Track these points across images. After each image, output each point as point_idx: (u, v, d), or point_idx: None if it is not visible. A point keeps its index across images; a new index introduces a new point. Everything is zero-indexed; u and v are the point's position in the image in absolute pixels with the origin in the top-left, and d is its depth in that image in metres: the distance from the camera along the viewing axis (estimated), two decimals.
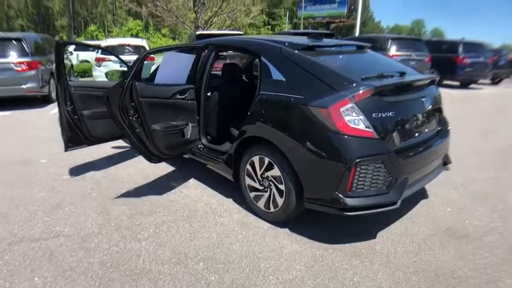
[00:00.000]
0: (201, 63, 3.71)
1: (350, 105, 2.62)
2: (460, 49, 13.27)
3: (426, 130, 3.23)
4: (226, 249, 2.78)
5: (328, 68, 2.91)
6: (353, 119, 2.62)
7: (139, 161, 4.61)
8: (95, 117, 4.03)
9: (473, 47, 13.71)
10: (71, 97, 3.86)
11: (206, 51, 3.72)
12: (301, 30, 16.96)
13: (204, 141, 3.83)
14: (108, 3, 44.62)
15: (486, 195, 3.84)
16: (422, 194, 3.77)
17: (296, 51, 3.08)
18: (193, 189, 3.84)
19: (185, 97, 3.55)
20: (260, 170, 3.13)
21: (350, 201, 2.67)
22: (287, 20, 38.51)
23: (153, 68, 4.17)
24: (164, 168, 4.38)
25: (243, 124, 3.18)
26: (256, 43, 3.40)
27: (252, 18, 23.24)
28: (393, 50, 11.51)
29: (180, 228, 3.06)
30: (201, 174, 4.18)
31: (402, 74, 3.17)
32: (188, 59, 3.66)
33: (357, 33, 21.03)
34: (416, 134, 3.09)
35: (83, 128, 3.96)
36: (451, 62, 13.05)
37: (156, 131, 3.27)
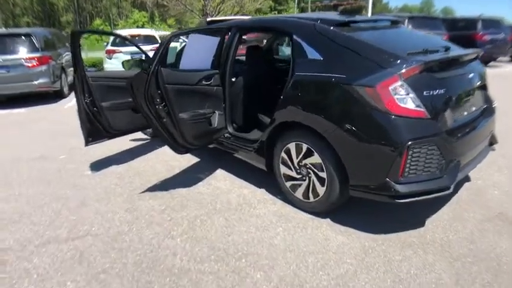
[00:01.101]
0: (225, 46, 3.46)
1: (399, 82, 2.38)
2: (479, 26, 12.74)
3: (474, 108, 2.96)
4: (267, 244, 2.58)
5: (370, 44, 2.64)
6: (403, 98, 2.38)
7: (161, 152, 4.43)
8: (115, 108, 3.84)
9: (492, 24, 13.17)
10: (89, 88, 3.66)
11: (229, 33, 3.47)
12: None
13: (230, 129, 3.61)
14: None
15: None
16: (465, 177, 3.51)
17: (332, 28, 2.82)
18: (222, 181, 3.63)
19: (211, 83, 3.33)
20: (297, 157, 2.90)
21: (401, 188, 2.44)
22: (296, 4, 37.67)
23: (177, 51, 3.97)
24: (188, 159, 4.18)
25: (275, 109, 2.95)
26: (286, 21, 3.14)
27: (260, 4, 22.73)
28: (410, 29, 11.08)
29: (214, 222, 2.87)
30: (228, 164, 3.97)
31: (447, 48, 2.91)
32: (213, 42, 3.42)
33: (369, 15, 20.43)
34: (465, 113, 2.83)
35: (103, 121, 3.77)
36: (470, 40, 12.50)
37: (184, 119, 3.06)
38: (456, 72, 2.79)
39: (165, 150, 4.44)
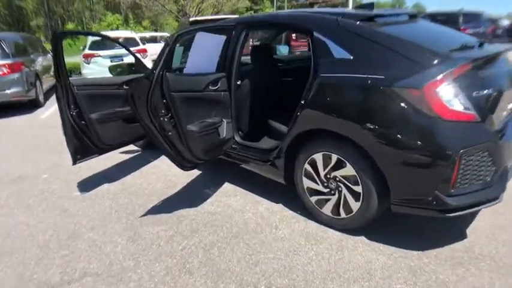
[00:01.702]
0: (229, 46, 3.08)
1: (447, 83, 2.07)
2: (460, 20, 12.80)
3: (510, 107, 2.69)
4: (302, 272, 2.22)
5: (406, 40, 2.33)
6: (451, 100, 2.08)
7: (157, 166, 4.01)
8: (105, 120, 3.39)
9: (473, 18, 13.28)
10: (75, 99, 3.19)
11: (234, 32, 3.08)
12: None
13: (237, 138, 3.23)
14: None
15: None
16: None
17: (358, 23, 2.49)
18: (232, 197, 3.24)
19: (218, 88, 2.93)
20: (325, 169, 2.55)
21: (452, 201, 2.14)
22: (275, 3, 37.28)
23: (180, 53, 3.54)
24: (190, 173, 3.74)
25: (296, 115, 2.59)
26: (304, 16, 2.78)
27: (239, 1, 22.29)
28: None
29: (235, 249, 2.48)
30: (235, 176, 3.58)
31: (480, 44, 2.63)
32: (219, 41, 3.02)
33: None
34: (504, 113, 2.54)
35: (92, 135, 3.31)
36: None
37: (192, 132, 2.66)
38: (494, 69, 2.51)
39: (161, 163, 4.03)
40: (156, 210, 3.07)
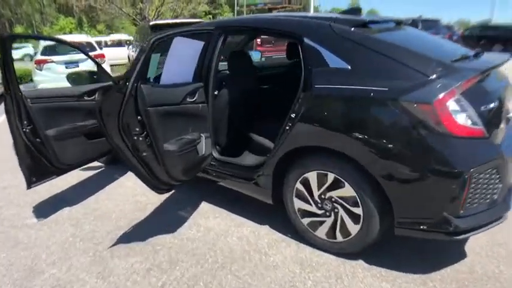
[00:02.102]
0: (207, 53, 2.80)
1: (457, 97, 1.92)
2: (420, 26, 13.25)
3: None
4: None
5: (407, 49, 2.17)
6: (461, 115, 1.93)
7: (123, 185, 3.63)
8: (65, 136, 2.99)
9: (431, 24, 13.83)
10: (29, 113, 2.77)
11: (212, 36, 2.81)
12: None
13: (216, 154, 2.96)
14: (35, 2, 40.30)
15: None
16: None
17: (353, 29, 2.30)
18: (212, 218, 2.95)
19: (195, 100, 2.64)
20: (319, 189, 2.34)
21: (461, 223, 2.00)
22: (235, 7, 37.00)
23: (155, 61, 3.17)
24: None
25: (286, 130, 2.35)
26: (293, 21, 2.55)
27: (199, 4, 21.83)
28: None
29: (223, 283, 2.20)
30: (212, 194, 3.29)
31: (476, 54, 2.52)
32: (197, 47, 2.72)
33: None
34: (503, 126, 2.45)
35: (49, 154, 2.89)
36: None
37: (171, 152, 2.35)
38: (493, 81, 2.41)
39: (127, 181, 3.66)
40: (127, 238, 2.71)
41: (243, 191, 2.86)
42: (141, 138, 2.21)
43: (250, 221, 2.88)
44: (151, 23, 9.57)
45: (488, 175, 1.99)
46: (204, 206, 3.15)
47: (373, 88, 2.01)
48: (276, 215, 2.78)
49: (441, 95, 1.88)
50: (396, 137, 1.98)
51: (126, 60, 14.17)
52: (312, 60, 2.28)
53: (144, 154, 2.28)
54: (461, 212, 1.98)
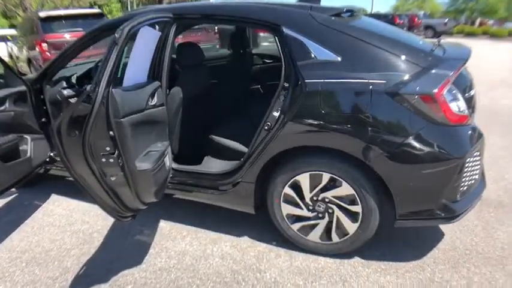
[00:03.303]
0: (159, 47, 2.38)
1: (450, 86, 1.94)
2: None
3: None
4: None
5: (396, 39, 2.12)
6: (454, 104, 1.97)
7: (52, 210, 3.03)
8: None
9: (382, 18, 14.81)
10: None
11: (166, 26, 2.39)
12: None
13: (173, 164, 2.58)
14: None
15: None
16: None
17: (333, 18, 2.17)
18: (180, 239, 2.56)
19: (156, 103, 2.22)
20: (311, 191, 2.18)
21: (458, 206, 2.05)
22: None
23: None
24: (103, 215, 2.77)
25: (271, 130, 2.12)
26: (268, 8, 2.28)
27: None
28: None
29: None
30: (168, 209, 2.88)
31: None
32: (153, 39, 2.25)
33: None
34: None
35: None
36: None
37: (145, 172, 1.91)
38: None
39: (57, 207, 3.03)
40: (83, 282, 2.19)
41: (214, 202, 2.55)
42: (111, 160, 1.74)
43: (225, 234, 2.59)
44: (42, 15, 8.18)
45: (474, 158, 2.06)
46: (165, 226, 2.73)
47: (371, 81, 1.90)
48: (251, 222, 2.56)
49: (440, 85, 1.86)
50: (399, 131, 1.91)
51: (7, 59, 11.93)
52: (295, 53, 2.07)
53: (113, 179, 1.81)
54: (458, 196, 2.02)
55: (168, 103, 2.53)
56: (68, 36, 7.84)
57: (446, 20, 24.95)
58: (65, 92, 2.76)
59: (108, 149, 1.74)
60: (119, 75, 2.08)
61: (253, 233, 2.55)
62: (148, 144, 2.10)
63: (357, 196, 2.07)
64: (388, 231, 2.29)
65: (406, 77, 1.90)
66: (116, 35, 1.72)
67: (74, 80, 2.94)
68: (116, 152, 1.76)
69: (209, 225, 2.68)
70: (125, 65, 2.02)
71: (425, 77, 1.90)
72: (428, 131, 1.91)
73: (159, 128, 2.27)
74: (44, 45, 8.01)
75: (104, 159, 1.74)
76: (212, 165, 2.63)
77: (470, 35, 24.47)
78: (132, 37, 1.83)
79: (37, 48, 8.14)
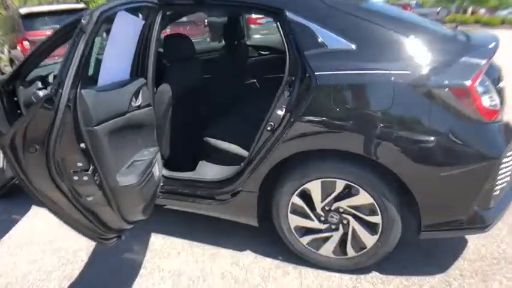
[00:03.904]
0: (143, 37, 2.08)
1: (482, 77, 1.66)
2: None
3: None
4: None
5: (416, 24, 1.86)
6: (486, 97, 1.69)
7: (32, 226, 2.70)
8: None
9: None
10: None
11: (151, 12, 2.09)
12: None
13: (164, 171, 2.29)
14: None
15: None
16: None
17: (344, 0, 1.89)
18: (174, 256, 2.28)
19: (140, 103, 1.92)
20: (323, 200, 1.91)
21: (491, 214, 1.80)
22: None
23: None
24: None
25: (277, 132, 1.84)
26: None
27: None
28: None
29: None
30: (157, 222, 2.57)
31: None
32: (135, 28, 1.94)
33: None
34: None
35: None
36: None
37: (130, 188, 1.62)
38: None
39: (38, 220, 2.75)
40: None
41: (211, 213, 2.27)
42: (86, 178, 1.44)
43: (223, 248, 2.31)
44: (22, 11, 7.77)
45: (508, 158, 1.80)
46: (156, 240, 2.45)
47: (393, 72, 1.62)
48: (252, 232, 2.27)
49: (473, 76, 1.59)
50: (425, 129, 1.64)
51: None
52: (302, 41, 1.78)
53: (89, 199, 1.52)
54: (492, 202, 1.77)
55: (155, 103, 2.24)
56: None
57: (439, 8, 24.77)
58: (41, 93, 2.45)
59: (80, 164, 1.43)
60: (91, 73, 1.76)
61: (255, 246, 2.28)
62: (132, 153, 1.80)
63: (376, 205, 1.80)
64: (404, 238, 2.04)
65: (433, 66, 1.62)
66: (82, 21, 1.41)
67: (50, 79, 2.62)
68: (91, 167, 1.46)
69: (205, 237, 2.40)
70: (100, 60, 1.70)
71: (455, 67, 1.63)
72: (460, 129, 1.64)
73: (145, 133, 1.98)
74: (26, 43, 7.60)
75: (76, 177, 1.44)
76: (207, 171, 2.34)
77: (463, 23, 24.31)
78: (106, 24, 1.52)
79: (18, 47, 7.75)
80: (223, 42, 3.59)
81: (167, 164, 2.39)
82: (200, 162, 2.46)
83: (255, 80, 3.68)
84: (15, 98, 2.56)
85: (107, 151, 1.52)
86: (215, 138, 2.42)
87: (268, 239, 2.26)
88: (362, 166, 1.76)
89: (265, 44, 3.99)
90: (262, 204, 2.08)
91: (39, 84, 2.52)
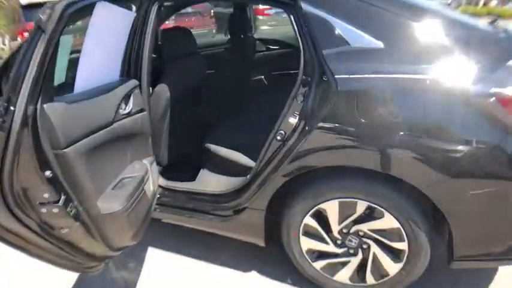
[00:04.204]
0: (137, 32, 1.83)
1: None
2: None
3: None
4: None
5: (453, 19, 1.57)
6: None
7: None
8: None
9: None
10: None
11: (141, 6, 1.83)
12: None
13: (161, 180, 2.06)
14: None
15: None
16: None
17: None
18: (172, 278, 2.05)
19: (131, 110, 1.67)
20: (341, 222, 1.66)
21: None
22: None
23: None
24: None
25: (289, 143, 1.59)
26: None
27: None
28: None
29: None
30: (157, 226, 2.35)
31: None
32: (123, 21, 1.69)
33: None
34: None
35: None
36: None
37: (114, 215, 1.37)
38: None
39: None
40: None
41: (212, 230, 2.03)
42: (56, 210, 1.20)
43: (225, 267, 2.08)
44: (23, 1, 7.59)
45: None
46: (153, 256, 2.22)
47: (428, 77, 1.35)
48: (255, 249, 2.02)
49: None
50: (465, 144, 1.37)
51: None
52: (319, 37, 1.51)
53: (65, 231, 1.28)
54: None
55: (151, 105, 1.99)
56: None
57: (450, 0, 24.10)
58: None
59: (46, 196, 1.18)
60: (62, 80, 1.49)
61: (260, 265, 2.04)
62: (120, 169, 1.55)
63: (403, 230, 1.55)
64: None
65: (476, 72, 1.35)
66: (40, 16, 1.15)
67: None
68: (62, 197, 1.21)
69: (205, 253, 2.16)
70: (74, 63, 1.42)
71: (501, 72, 1.36)
72: (506, 143, 1.37)
73: (137, 143, 1.73)
74: (26, 34, 7.40)
75: (44, 210, 1.20)
76: (209, 182, 2.09)
77: (475, 15, 23.73)
78: (78, 18, 1.26)
79: (19, 39, 7.56)
80: (229, 35, 3.33)
81: (164, 173, 2.16)
82: (201, 171, 2.21)
83: (263, 77, 3.42)
84: None
85: (84, 175, 1.27)
86: (217, 144, 2.17)
87: (273, 255, 2.02)
88: (388, 186, 1.51)
89: (273, 37, 3.71)
90: (269, 223, 1.83)
91: None
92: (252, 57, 3.34)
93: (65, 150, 1.21)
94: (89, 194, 1.30)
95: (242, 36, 3.20)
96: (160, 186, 2.05)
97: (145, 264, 2.15)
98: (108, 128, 1.42)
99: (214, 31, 8.12)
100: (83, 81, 1.37)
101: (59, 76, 1.32)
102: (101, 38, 1.45)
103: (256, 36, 3.69)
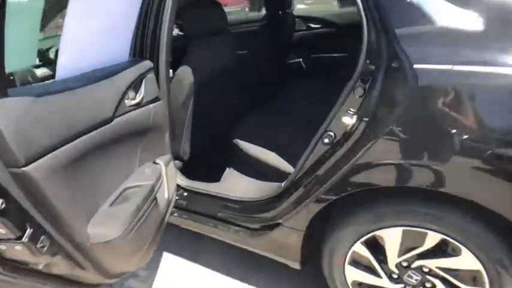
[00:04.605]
0: (152, 3, 1.49)
1: None
2: None
3: None
4: None
5: None
6: None
7: None
8: None
9: None
10: None
11: None
12: None
13: (183, 180, 1.76)
14: None
15: None
16: None
17: None
18: None
19: (142, 99, 1.34)
20: (402, 255, 1.29)
21: None
22: None
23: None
24: None
25: (342, 151, 1.22)
26: None
27: None
28: None
29: None
30: (171, 229, 2.08)
31: None
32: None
33: None
34: None
35: None
36: None
37: (110, 244, 1.07)
38: None
39: None
40: None
41: (239, 244, 1.71)
42: (19, 247, 0.88)
43: (250, 285, 1.77)
44: None
45: None
46: (165, 271, 1.94)
47: None
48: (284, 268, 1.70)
49: None
50: None
51: None
52: (391, 11, 1.11)
53: (41, 266, 0.98)
54: None
55: (172, 92, 1.67)
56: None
57: None
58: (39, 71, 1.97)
59: (2, 232, 0.86)
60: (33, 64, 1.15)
61: (283, 283, 1.72)
62: (123, 178, 1.23)
63: (485, 274, 1.17)
64: None
65: None
66: None
67: (51, 55, 2.12)
68: (28, 230, 0.89)
69: (229, 271, 1.86)
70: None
71: None
72: None
73: (149, 141, 1.41)
74: None
75: (3, 247, 0.89)
76: (236, 185, 1.77)
77: None
78: None
79: None
80: (264, 11, 2.94)
81: (184, 170, 1.86)
82: (226, 170, 1.89)
83: (301, 60, 3.02)
84: (12, 77, 2.08)
85: (60, 197, 0.92)
86: (247, 140, 1.83)
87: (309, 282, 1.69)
88: (472, 217, 1.12)
89: (320, 12, 3.27)
90: (308, 243, 1.49)
91: (37, 61, 2.03)
92: (290, 36, 2.94)
93: (24, 168, 0.86)
94: (70, 219, 0.98)
95: (280, 12, 2.79)
96: (178, 185, 1.75)
97: (160, 272, 1.88)
98: (106, 127, 1.09)
99: (247, 9, 7.68)
100: (67, 65, 1.02)
101: (22, 58, 0.96)
102: (93, 9, 1.07)
103: (295, 13, 3.27)
